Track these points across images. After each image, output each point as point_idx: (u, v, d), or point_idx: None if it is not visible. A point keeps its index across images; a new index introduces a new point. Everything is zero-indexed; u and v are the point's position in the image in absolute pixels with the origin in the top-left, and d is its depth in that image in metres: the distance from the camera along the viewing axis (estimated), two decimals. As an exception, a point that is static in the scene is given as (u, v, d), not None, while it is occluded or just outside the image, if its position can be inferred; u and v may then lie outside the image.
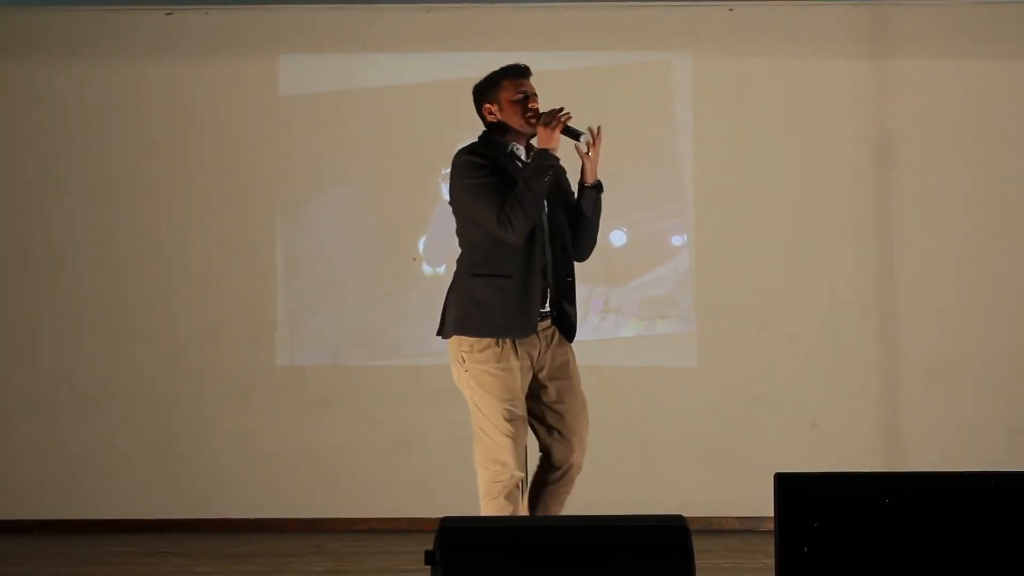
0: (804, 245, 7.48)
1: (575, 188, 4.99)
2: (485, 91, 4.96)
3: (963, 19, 7.47)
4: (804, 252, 7.47)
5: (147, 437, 7.47)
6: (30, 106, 7.57)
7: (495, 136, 4.94)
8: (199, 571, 6.31)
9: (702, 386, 7.44)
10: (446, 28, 7.50)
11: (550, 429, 4.90)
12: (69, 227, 7.53)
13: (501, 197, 4.75)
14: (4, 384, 7.52)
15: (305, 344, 7.55)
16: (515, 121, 4.90)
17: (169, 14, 7.54)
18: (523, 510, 4.84)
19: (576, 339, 4.96)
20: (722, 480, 7.33)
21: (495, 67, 4.99)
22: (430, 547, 3.37)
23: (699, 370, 7.48)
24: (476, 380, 4.82)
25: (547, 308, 4.86)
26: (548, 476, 4.91)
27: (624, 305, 7.48)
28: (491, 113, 4.94)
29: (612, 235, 7.36)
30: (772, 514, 3.53)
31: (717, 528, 7.30)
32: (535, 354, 4.85)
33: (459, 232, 4.95)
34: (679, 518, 3.43)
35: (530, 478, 4.92)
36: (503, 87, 4.92)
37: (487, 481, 4.81)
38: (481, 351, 4.81)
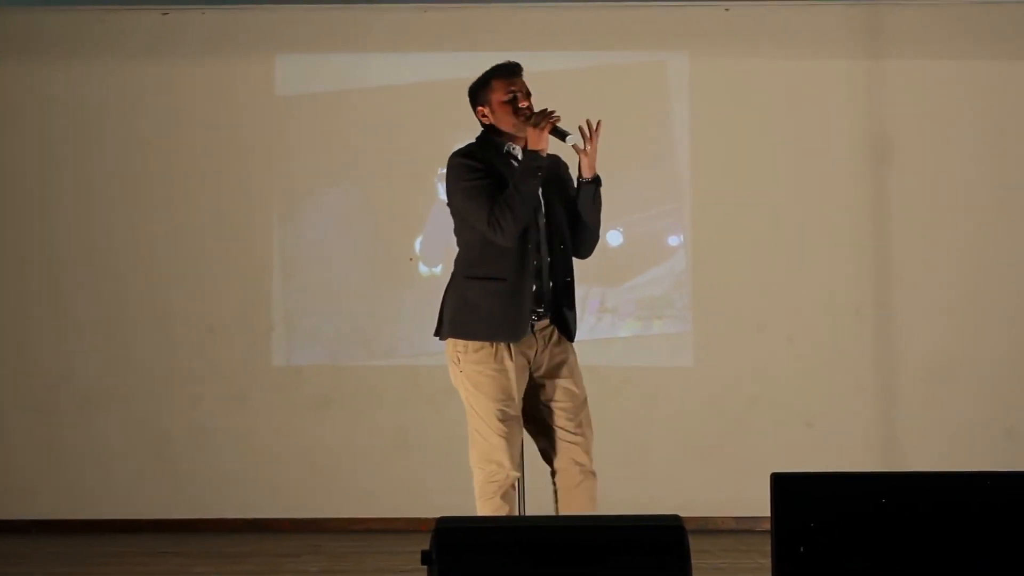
0: (801, 245, 7.48)
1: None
2: (477, 93, 4.94)
3: (960, 19, 7.48)
4: (801, 252, 7.48)
5: (144, 437, 7.47)
6: (26, 105, 7.57)
7: (492, 137, 4.92)
8: (197, 571, 6.31)
9: (699, 386, 7.45)
10: (443, 28, 7.50)
11: (549, 429, 4.88)
12: (66, 227, 7.53)
13: (492, 200, 4.74)
14: (1, 384, 7.52)
15: (302, 344, 7.55)
16: (506, 122, 4.88)
17: (166, 14, 7.54)
18: (518, 510, 4.84)
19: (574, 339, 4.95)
20: (719, 480, 7.34)
21: (488, 67, 4.97)
22: (427, 547, 3.37)
23: (696, 370, 7.49)
24: (471, 380, 4.82)
25: (542, 308, 4.85)
26: (557, 481, 4.88)
27: (621, 305, 7.48)
28: (484, 115, 4.93)
29: (608, 235, 7.36)
30: (768, 514, 3.53)
31: (714, 528, 7.31)
32: (531, 354, 4.84)
33: (456, 233, 4.95)
34: (675, 518, 3.43)
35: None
36: (493, 88, 4.90)
37: (482, 481, 4.81)
38: (476, 352, 4.81)
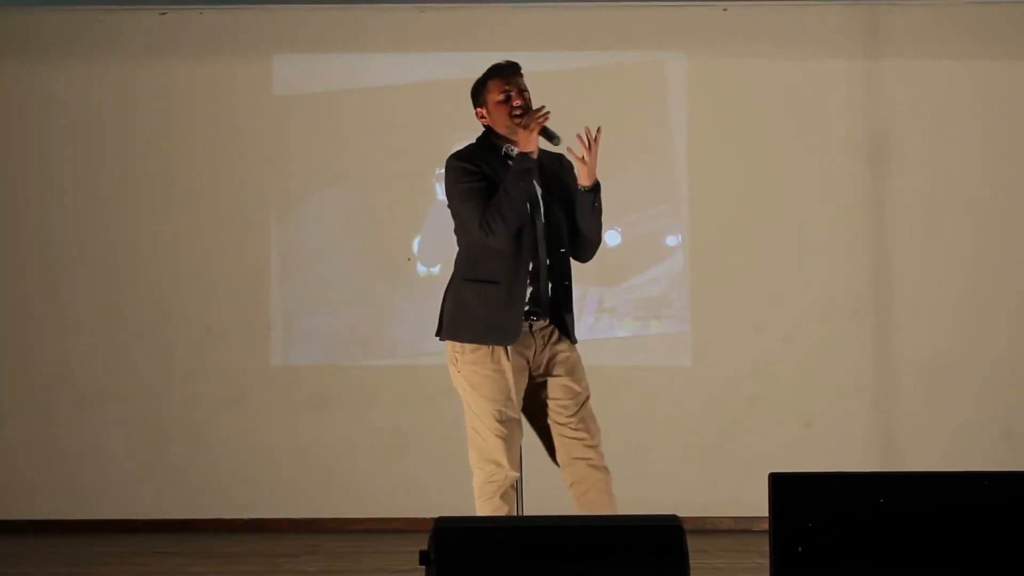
0: (799, 245, 7.48)
1: None
2: (476, 94, 4.93)
3: (958, 19, 7.48)
4: (799, 252, 7.48)
5: (142, 437, 7.47)
6: (24, 105, 7.57)
7: (491, 138, 4.91)
8: (194, 571, 6.31)
9: (697, 386, 7.45)
10: (440, 28, 7.50)
11: (551, 427, 4.87)
12: (63, 227, 7.53)
13: (485, 203, 4.74)
14: (0, 384, 7.54)
15: (300, 344, 7.55)
16: (500, 123, 4.86)
17: (164, 14, 7.54)
18: (517, 511, 4.83)
19: (572, 339, 4.95)
20: (717, 480, 7.34)
21: (488, 67, 4.95)
22: (425, 547, 3.37)
23: (694, 370, 7.49)
24: (468, 381, 4.82)
25: (540, 310, 4.83)
26: (566, 479, 4.86)
27: (619, 305, 7.48)
28: (482, 116, 4.92)
29: (606, 235, 7.32)
30: (767, 514, 3.53)
31: (712, 528, 7.31)
32: (530, 354, 4.83)
33: (455, 233, 4.95)
34: (674, 518, 3.43)
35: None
36: (489, 88, 4.89)
37: (481, 481, 4.81)
38: (472, 353, 4.81)
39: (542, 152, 4.88)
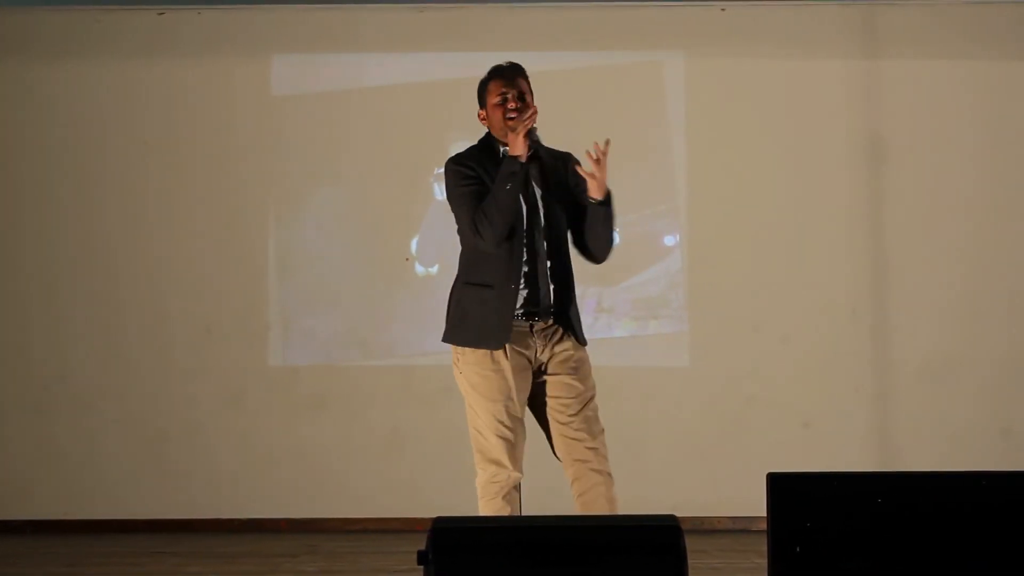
0: (797, 245, 7.48)
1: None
2: (478, 96, 4.92)
3: (955, 19, 7.48)
4: (797, 252, 7.48)
5: (140, 437, 7.46)
6: (22, 105, 7.56)
7: (491, 140, 4.91)
8: (192, 571, 6.31)
9: (695, 386, 7.45)
10: (438, 28, 7.50)
11: (553, 426, 4.86)
12: (61, 227, 7.53)
13: (478, 207, 4.75)
14: (-3, 384, 7.53)
15: (298, 344, 7.55)
16: (496, 125, 4.86)
17: (162, 14, 7.54)
18: (520, 512, 4.83)
19: (570, 339, 4.95)
20: (715, 480, 7.34)
21: (486, 67, 4.94)
22: (423, 547, 3.37)
23: (692, 370, 7.49)
24: (469, 381, 4.83)
25: (538, 311, 4.81)
26: (569, 479, 4.85)
27: (616, 305, 7.48)
28: (483, 118, 4.92)
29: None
30: (765, 514, 3.53)
31: (710, 528, 7.31)
32: (530, 354, 4.83)
33: (458, 235, 4.94)
34: (672, 518, 3.43)
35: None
36: (489, 90, 4.89)
37: (484, 481, 4.82)
38: (472, 353, 4.82)
39: (544, 151, 4.88)
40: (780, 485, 3.52)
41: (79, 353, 7.50)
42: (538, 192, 4.85)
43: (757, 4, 7.47)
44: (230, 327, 7.50)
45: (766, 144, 7.51)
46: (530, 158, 4.80)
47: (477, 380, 4.81)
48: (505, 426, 4.79)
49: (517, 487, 4.83)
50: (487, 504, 4.80)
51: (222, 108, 7.56)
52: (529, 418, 4.89)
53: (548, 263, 4.84)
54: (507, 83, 4.85)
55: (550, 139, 4.93)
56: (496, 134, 4.87)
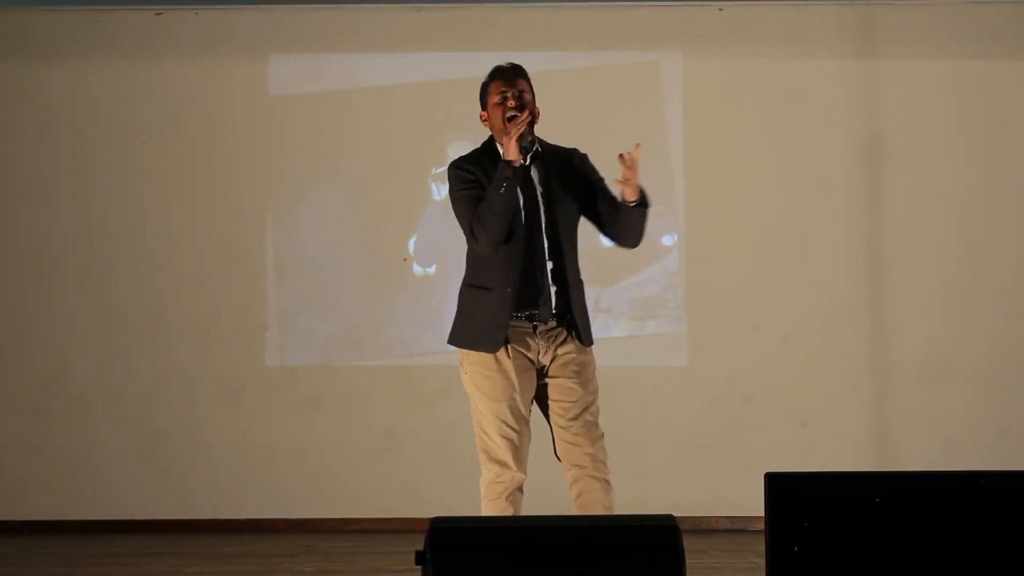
0: (795, 245, 7.48)
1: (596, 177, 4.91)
2: (480, 97, 4.91)
3: (952, 19, 7.48)
4: (795, 252, 7.48)
5: (138, 437, 7.46)
6: (19, 105, 7.56)
7: (493, 142, 4.90)
8: (190, 571, 6.31)
9: (693, 386, 7.45)
10: (436, 28, 7.50)
11: (553, 429, 4.86)
12: (58, 227, 7.53)
13: (475, 211, 4.75)
14: (-6, 384, 7.53)
15: (296, 344, 7.54)
16: (496, 127, 4.85)
17: (159, 14, 7.53)
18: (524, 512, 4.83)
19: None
20: (713, 480, 7.34)
21: (484, 67, 4.93)
22: (421, 547, 3.37)
23: (689, 370, 7.49)
24: (473, 382, 4.84)
25: (539, 312, 4.80)
26: (569, 485, 4.85)
27: (614, 305, 7.48)
28: (484, 120, 4.91)
29: (600, 236, 7.34)
30: (763, 514, 3.53)
31: (708, 528, 7.31)
32: (532, 355, 4.82)
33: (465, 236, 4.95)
34: (670, 518, 3.43)
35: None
36: (489, 92, 4.87)
37: (488, 481, 4.82)
38: (475, 354, 4.83)
39: (546, 151, 4.86)
40: (778, 485, 3.52)
41: (77, 353, 7.49)
42: (538, 191, 4.83)
43: (755, 4, 7.47)
44: (228, 327, 7.50)
45: (764, 144, 7.51)
46: (531, 158, 4.79)
47: (481, 380, 4.81)
48: (509, 426, 4.79)
49: (521, 488, 4.82)
50: (490, 504, 4.79)
51: (220, 108, 7.55)
52: (535, 418, 4.89)
53: (549, 264, 4.83)
54: (507, 83, 4.84)
55: (548, 139, 4.92)
56: (495, 135, 4.86)
